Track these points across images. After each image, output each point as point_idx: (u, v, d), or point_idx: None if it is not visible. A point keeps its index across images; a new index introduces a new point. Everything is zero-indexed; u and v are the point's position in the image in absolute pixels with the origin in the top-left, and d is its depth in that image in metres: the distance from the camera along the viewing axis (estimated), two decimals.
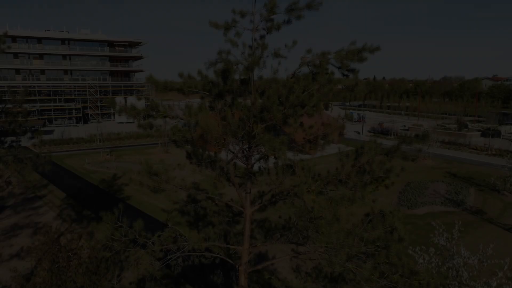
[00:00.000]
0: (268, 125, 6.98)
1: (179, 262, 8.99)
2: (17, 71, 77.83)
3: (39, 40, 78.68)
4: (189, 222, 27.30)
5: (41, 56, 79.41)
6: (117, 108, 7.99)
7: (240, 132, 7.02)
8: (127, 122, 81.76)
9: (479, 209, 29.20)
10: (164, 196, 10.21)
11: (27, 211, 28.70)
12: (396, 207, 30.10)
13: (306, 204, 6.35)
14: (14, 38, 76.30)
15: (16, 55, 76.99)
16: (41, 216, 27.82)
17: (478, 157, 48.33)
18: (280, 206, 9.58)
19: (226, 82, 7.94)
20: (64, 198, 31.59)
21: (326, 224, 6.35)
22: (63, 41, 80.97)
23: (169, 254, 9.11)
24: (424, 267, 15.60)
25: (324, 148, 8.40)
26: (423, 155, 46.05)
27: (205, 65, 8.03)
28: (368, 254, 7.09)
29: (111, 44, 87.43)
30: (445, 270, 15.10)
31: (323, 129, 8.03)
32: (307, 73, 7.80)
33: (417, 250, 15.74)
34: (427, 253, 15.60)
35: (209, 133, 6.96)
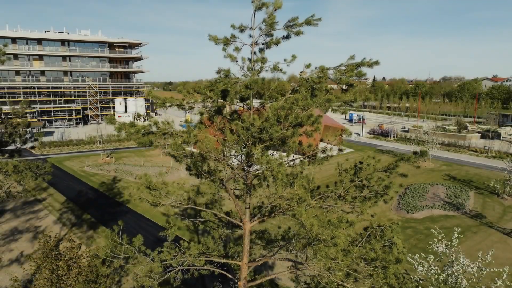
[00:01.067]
0: (267, 146, 7.02)
1: (179, 275, 8.98)
2: (17, 72, 77.78)
3: (39, 41, 78.63)
4: (189, 226, 27.35)
5: (41, 57, 79.35)
6: (117, 126, 8.00)
7: (239, 152, 7.05)
8: None
9: (478, 213, 29.22)
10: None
11: (27, 215, 28.71)
12: (395, 211, 30.13)
13: (304, 227, 6.37)
14: (14, 40, 76.29)
15: (16, 56, 76.92)
16: (41, 220, 27.83)
17: (478, 159, 48.34)
18: (280, 216, 9.59)
19: (225, 99, 7.97)
20: (64, 202, 31.59)
21: (324, 247, 6.37)
22: (63, 42, 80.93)
23: (169, 266, 9.13)
24: (424, 274, 15.63)
25: (323, 163, 8.44)
26: (423, 158, 46.11)
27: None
28: (366, 274, 7.10)
29: (111, 45, 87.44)
30: (445, 277, 15.13)
31: (324, 140, 8.05)
32: (306, 90, 7.80)
33: (416, 257, 15.77)
34: (427, 261, 15.62)
35: (208, 153, 6.99)
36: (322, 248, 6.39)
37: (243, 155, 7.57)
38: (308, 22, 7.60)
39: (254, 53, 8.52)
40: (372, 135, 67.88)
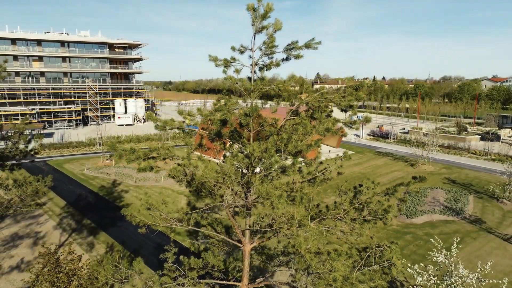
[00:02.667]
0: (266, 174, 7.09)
1: None
2: (17, 73, 77.77)
3: (39, 42, 78.60)
4: (189, 232, 27.42)
5: (40, 58, 79.32)
6: (118, 153, 8.02)
7: (239, 180, 7.09)
8: (126, 125, 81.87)
9: (478, 218, 29.26)
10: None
11: (27, 220, 28.73)
12: (395, 217, 30.17)
13: (304, 258, 6.41)
14: (13, 41, 76.28)
15: (15, 57, 76.92)
16: (41, 225, 27.85)
17: (478, 162, 48.40)
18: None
19: (225, 125, 8.01)
20: (64, 206, 31.62)
21: (323, 281, 6.41)
22: (62, 43, 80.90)
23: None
24: (423, 284, 15.70)
25: (322, 185, 8.51)
26: (422, 161, 46.13)
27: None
28: None
29: (111, 46, 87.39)
30: None
31: (321, 167, 8.11)
32: (306, 115, 7.85)
33: (416, 268, 15.84)
34: (426, 271, 15.69)
35: (207, 182, 7.04)
36: (321, 282, 6.44)
37: (243, 182, 7.61)
38: (308, 46, 7.65)
39: (254, 72, 8.55)
40: (372, 137, 67.92)
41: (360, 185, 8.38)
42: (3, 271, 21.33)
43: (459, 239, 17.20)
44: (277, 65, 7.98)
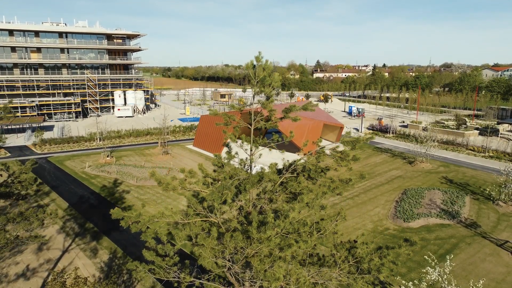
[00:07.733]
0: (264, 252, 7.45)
1: None
2: (15, 65, 77.40)
3: (36, 33, 77.94)
4: (190, 238, 27.90)
5: (38, 49, 78.80)
6: (125, 221, 8.32)
7: (239, 258, 7.47)
8: (126, 117, 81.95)
9: (473, 221, 29.78)
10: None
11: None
12: (392, 219, 30.69)
13: None
14: (11, 32, 75.61)
15: (13, 49, 76.40)
16: (44, 229, 28.33)
17: (475, 159, 48.75)
18: None
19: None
20: (66, 208, 32.10)
21: None
22: (60, 34, 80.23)
23: None
24: None
25: (318, 240, 8.88)
26: (421, 158, 46.47)
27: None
28: None
29: (109, 37, 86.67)
30: None
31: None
32: (302, 175, 8.16)
33: (410, 285, 16.35)
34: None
35: (207, 261, 7.40)
36: None
37: (242, 259, 7.96)
38: (305, 109, 7.88)
39: (254, 136, 8.75)
40: (371, 131, 68.13)
41: (355, 241, 8.74)
42: (9, 278, 21.89)
43: (452, 256, 17.67)
44: (275, 125, 8.23)
